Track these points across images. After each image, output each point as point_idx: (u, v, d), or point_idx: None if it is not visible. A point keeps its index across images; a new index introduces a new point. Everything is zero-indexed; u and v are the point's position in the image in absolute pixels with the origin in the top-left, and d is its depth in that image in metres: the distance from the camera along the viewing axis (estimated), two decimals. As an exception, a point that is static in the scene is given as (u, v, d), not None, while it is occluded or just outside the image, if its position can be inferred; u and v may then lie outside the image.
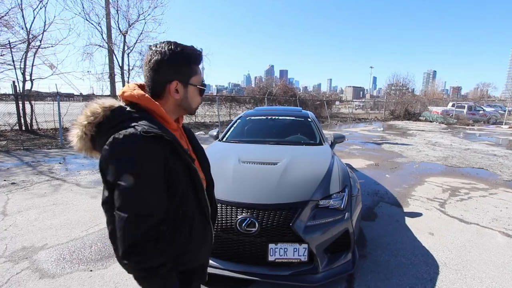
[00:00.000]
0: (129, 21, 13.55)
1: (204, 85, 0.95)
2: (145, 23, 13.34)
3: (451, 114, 19.25)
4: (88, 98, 13.08)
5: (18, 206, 3.44)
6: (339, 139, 3.56)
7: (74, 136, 0.80)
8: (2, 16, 9.42)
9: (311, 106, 20.60)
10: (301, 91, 37.14)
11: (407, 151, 7.72)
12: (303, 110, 4.29)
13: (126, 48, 13.77)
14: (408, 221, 3.19)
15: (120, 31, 13.53)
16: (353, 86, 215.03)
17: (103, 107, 0.80)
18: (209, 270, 1.97)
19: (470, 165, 6.14)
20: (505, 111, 19.41)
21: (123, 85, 14.32)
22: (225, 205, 2.00)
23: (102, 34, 13.14)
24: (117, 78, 14.33)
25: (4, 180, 4.47)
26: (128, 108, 0.82)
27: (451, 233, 2.91)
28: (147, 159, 0.73)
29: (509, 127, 16.10)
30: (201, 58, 0.92)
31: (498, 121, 18.72)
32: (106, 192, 0.79)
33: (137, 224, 0.72)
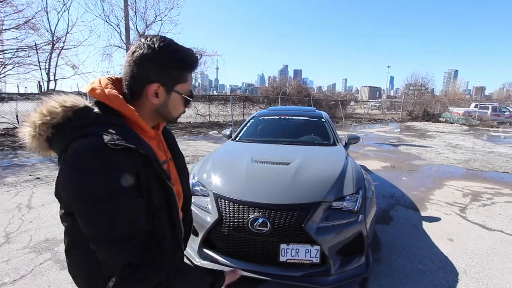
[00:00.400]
0: (146, 22, 13.93)
1: (192, 96, 0.81)
2: (162, 24, 13.64)
3: (473, 115, 18.38)
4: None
5: (42, 199, 3.62)
6: (353, 140, 3.50)
7: (26, 134, 0.66)
8: (30, 19, 9.93)
9: (325, 106, 20.33)
10: (315, 91, 36.77)
11: (425, 153, 7.46)
12: (317, 110, 4.24)
13: (143, 49, 14.14)
14: (426, 225, 3.08)
15: (138, 32, 13.93)
16: (369, 86, 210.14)
17: (64, 106, 0.66)
18: (221, 268, 2.00)
19: (494, 169, 5.85)
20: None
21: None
22: (238, 204, 2.01)
23: (120, 35, 13.58)
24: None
25: (30, 175, 4.71)
26: (95, 110, 0.69)
27: (472, 240, 2.78)
28: (117, 174, 0.61)
29: (538, 130, 15.19)
30: (195, 65, 0.78)
31: (526, 123, 17.70)
32: (62, 211, 0.72)
33: (120, 247, 0.61)
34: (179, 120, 0.90)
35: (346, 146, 3.49)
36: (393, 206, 3.65)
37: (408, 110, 21.79)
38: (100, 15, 12.80)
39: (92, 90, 0.71)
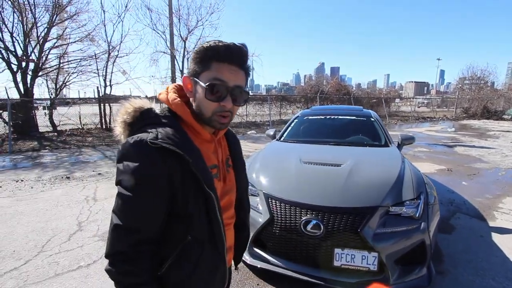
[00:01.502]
0: (188, 28, 14.66)
1: (213, 85, 0.69)
2: (203, 28, 14.25)
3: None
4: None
5: (104, 193, 4.03)
6: (407, 140, 3.25)
7: (118, 132, 0.76)
8: (90, 33, 11.13)
9: (367, 104, 19.27)
10: (354, 88, 34.94)
11: (488, 155, 6.63)
12: (364, 109, 4.04)
13: (186, 53, 14.95)
14: (496, 237, 2.73)
15: (181, 37, 14.72)
16: (414, 81, 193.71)
17: (134, 107, 0.75)
18: (271, 268, 2.02)
19: None
20: None
21: (182, 88, 15.64)
22: (289, 205, 2.00)
23: (166, 42, 14.48)
24: (178, 81, 15.64)
25: (93, 171, 5.28)
26: (156, 111, 0.75)
27: (558, 257, 2.39)
28: (147, 170, 0.65)
29: None
30: (222, 53, 0.69)
31: None
32: None
33: (122, 235, 0.65)
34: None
35: (399, 147, 3.26)
36: (454, 213, 3.30)
37: (463, 107, 19.60)
38: (148, 24, 13.84)
39: (160, 94, 0.79)
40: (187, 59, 14.91)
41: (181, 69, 15.03)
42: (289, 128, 3.76)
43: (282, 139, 3.56)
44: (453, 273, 2.17)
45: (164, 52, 14.72)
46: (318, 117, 3.88)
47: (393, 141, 3.32)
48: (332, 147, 3.06)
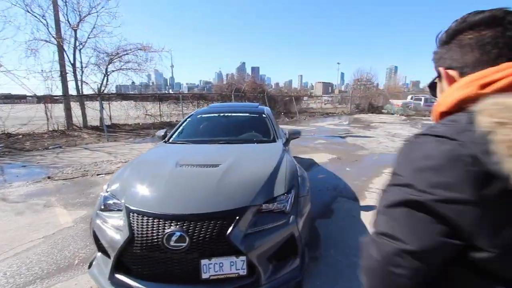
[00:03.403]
0: (80, 14, 12.42)
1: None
2: (98, 16, 12.24)
3: (410, 106, 20.46)
4: (42, 99, 11.80)
5: None
6: (294, 135, 3.42)
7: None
8: None
9: (281, 102, 20.73)
10: (273, 87, 37.34)
11: (368, 143, 7.94)
12: (259, 106, 4.10)
13: (77, 44, 12.63)
14: (363, 215, 3.14)
15: (70, 24, 12.35)
16: (322, 82, 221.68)
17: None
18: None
19: (425, 154, 6.43)
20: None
21: (76, 84, 13.24)
22: (152, 218, 1.73)
23: (48, 28, 11.89)
24: (69, 76, 13.10)
25: None
26: None
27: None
28: (439, 173, 0.43)
29: (460, 117, 17.49)
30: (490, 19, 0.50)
31: (450, 111, 20.26)
32: None
33: (395, 261, 0.45)
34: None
35: (287, 141, 3.40)
36: (336, 198, 3.69)
37: (356, 104, 23.37)
38: (17, 3, 10.99)
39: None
40: (80, 50, 12.67)
41: (72, 62, 12.64)
42: (180, 128, 3.48)
43: (170, 140, 3.26)
44: (325, 256, 2.34)
45: (47, 41, 12.04)
46: (212, 115, 3.72)
47: (283, 136, 3.44)
48: (220, 146, 2.93)
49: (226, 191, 1.92)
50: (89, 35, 12.59)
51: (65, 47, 12.42)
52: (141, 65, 14.16)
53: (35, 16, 11.46)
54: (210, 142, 3.07)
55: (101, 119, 10.66)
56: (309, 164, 5.51)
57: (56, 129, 11.59)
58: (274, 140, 3.16)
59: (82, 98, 12.84)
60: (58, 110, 12.30)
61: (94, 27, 12.23)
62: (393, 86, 41.91)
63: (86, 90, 13.63)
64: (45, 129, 11.37)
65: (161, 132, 3.51)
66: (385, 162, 5.72)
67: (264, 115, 3.66)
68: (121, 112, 14.43)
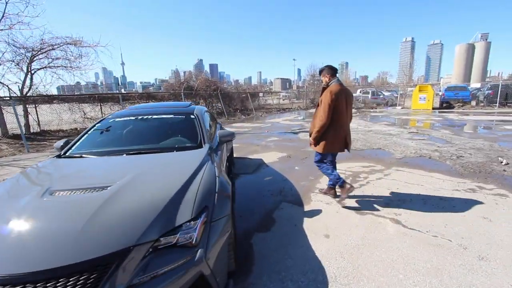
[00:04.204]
0: (-14, 2, 10.30)
1: None
2: (6, 3, 10.27)
3: (359, 100, 21.63)
4: None
5: None
6: (225, 137, 2.97)
7: None
8: None
9: (237, 99, 20.26)
10: (232, 84, 36.65)
11: (319, 138, 7.90)
12: (191, 106, 3.56)
13: (-15, 37, 10.52)
14: (306, 223, 2.84)
15: (-27, 14, 10.19)
16: (281, 78, 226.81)
17: None
18: None
19: (371, 146, 6.54)
20: (398, 94, 22.89)
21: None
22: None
23: None
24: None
25: None
26: None
27: (347, 231, 2.65)
28: None
29: (402, 108, 18.99)
30: None
31: (394, 103, 21.95)
32: None
33: None
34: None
35: (219, 145, 2.93)
36: (279, 204, 3.35)
37: (310, 98, 23.98)
38: None
39: None
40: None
41: (-20, 59, 10.50)
42: (84, 136, 2.78)
43: (68, 153, 2.56)
44: (256, 284, 1.93)
45: None
46: (128, 118, 3.08)
47: (215, 139, 2.97)
48: (126, 158, 2.34)
49: (100, 229, 1.38)
50: (-1, 26, 10.52)
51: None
52: (74, 62, 12.48)
53: None
54: (118, 153, 2.45)
55: (20, 126, 9.00)
56: (258, 165, 5.15)
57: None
58: (200, 146, 2.67)
59: (-2, 101, 10.79)
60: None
61: (3, 16, 10.18)
62: (344, 81, 44.42)
63: (3, 92, 11.54)
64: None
65: (60, 143, 2.78)
66: (333, 157, 5.62)
67: (192, 116, 3.14)
68: (54, 116, 12.57)
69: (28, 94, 11.82)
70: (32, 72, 11.88)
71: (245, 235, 2.63)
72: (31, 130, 11.58)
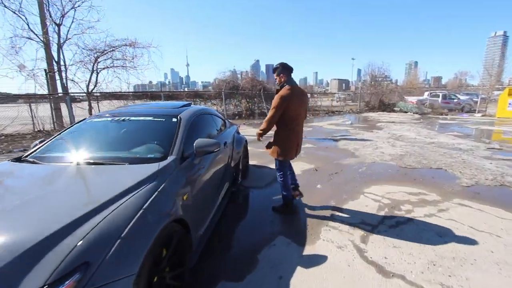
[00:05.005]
0: (63, 9, 11.85)
1: None
2: (75, 10, 11.50)
3: (425, 104, 18.56)
4: (30, 98, 11.50)
5: None
6: (202, 148, 2.31)
7: None
8: None
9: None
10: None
11: (362, 148, 6.65)
12: (182, 107, 3.01)
13: (61, 41, 12.09)
14: (297, 277, 2.01)
15: (53, 20, 11.82)
16: (338, 79, 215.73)
17: None
18: None
19: (428, 164, 5.10)
20: (479, 98, 18.90)
21: (61, 83, 12.72)
22: None
23: (28, 25, 11.39)
24: (57, 75, 12.60)
25: None
26: None
27: (354, 304, 1.75)
28: None
29: (482, 115, 15.50)
30: None
31: (472, 109, 18.17)
32: None
33: None
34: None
35: (195, 157, 2.33)
36: (275, 237, 2.57)
37: (365, 101, 21.67)
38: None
39: None
40: (61, 47, 12.09)
41: (56, 60, 12.13)
42: (55, 138, 2.51)
43: (30, 156, 2.29)
44: None
45: (29, 38, 11.57)
46: (104, 119, 2.71)
47: (181, 149, 2.36)
48: (61, 169, 1.91)
49: None
50: (68, 29, 11.94)
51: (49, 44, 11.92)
52: (131, 62, 13.56)
53: (13, 12, 10.98)
54: (66, 161, 2.07)
55: (71, 119, 10.01)
56: (274, 178, 4.39)
57: (43, 129, 11.26)
58: (165, 158, 2.10)
59: (69, 97, 12.31)
60: (43, 109, 11.92)
61: (74, 22, 11.49)
62: (409, 82, 39.31)
63: (74, 90, 13.17)
64: (30, 129, 11.11)
65: (36, 142, 2.58)
66: (372, 176, 4.48)
67: (174, 120, 2.59)
68: (113, 111, 13.87)
69: (93, 91, 13.25)
70: (98, 71, 13.27)
71: (207, 281, 1.96)
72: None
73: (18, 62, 12.30)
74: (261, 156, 5.75)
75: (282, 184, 3.08)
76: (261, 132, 3.01)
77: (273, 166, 5.20)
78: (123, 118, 2.68)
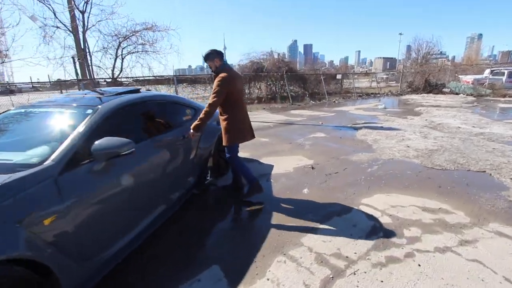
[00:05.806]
0: (89, -4, 12.01)
1: None
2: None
3: (484, 84, 15.54)
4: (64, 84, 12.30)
5: None
6: (104, 150, 1.71)
7: None
8: None
9: (314, 82, 18.02)
10: (326, 66, 35.05)
11: (384, 139, 5.49)
12: (115, 95, 2.41)
13: (85, 28, 12.39)
14: None
15: (78, 9, 12.09)
16: (383, 58, 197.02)
17: None
18: None
19: (466, 165, 3.88)
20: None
21: (88, 69, 13.20)
22: None
23: (55, 14, 11.81)
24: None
25: None
26: None
27: None
28: None
29: None
30: None
31: (549, 89, 14.71)
32: None
33: None
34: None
35: (95, 163, 1.76)
36: (203, 270, 1.93)
37: (408, 81, 19.02)
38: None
39: None
40: (84, 34, 12.39)
41: (82, 47, 12.53)
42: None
43: None
44: None
45: (57, 27, 12.04)
46: (23, 110, 2.29)
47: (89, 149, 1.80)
48: None
49: None
50: (88, 15, 12.12)
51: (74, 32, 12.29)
52: (151, 46, 13.52)
53: (43, 3, 11.42)
54: None
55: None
56: (258, 176, 3.69)
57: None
58: (41, 164, 1.56)
59: (95, 82, 12.77)
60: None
61: (96, 7, 11.59)
62: (471, 58, 33.74)
63: (101, 75, 13.64)
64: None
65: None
66: (380, 178, 3.49)
67: (88, 111, 2.02)
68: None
69: (118, 77, 13.58)
70: (123, 56, 13.50)
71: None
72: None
73: (48, 51, 12.97)
74: (263, 146, 5.03)
75: (238, 168, 2.98)
76: (204, 117, 2.68)
77: (264, 160, 4.49)
78: (37, 110, 2.21)
